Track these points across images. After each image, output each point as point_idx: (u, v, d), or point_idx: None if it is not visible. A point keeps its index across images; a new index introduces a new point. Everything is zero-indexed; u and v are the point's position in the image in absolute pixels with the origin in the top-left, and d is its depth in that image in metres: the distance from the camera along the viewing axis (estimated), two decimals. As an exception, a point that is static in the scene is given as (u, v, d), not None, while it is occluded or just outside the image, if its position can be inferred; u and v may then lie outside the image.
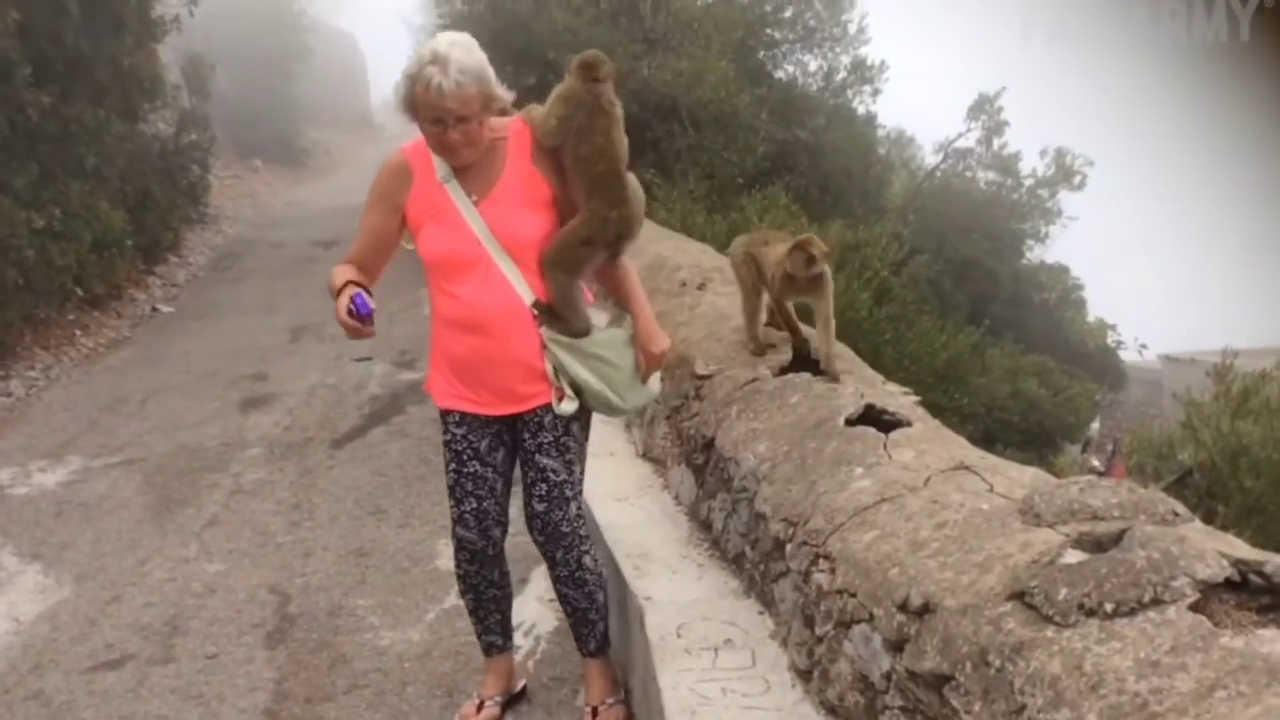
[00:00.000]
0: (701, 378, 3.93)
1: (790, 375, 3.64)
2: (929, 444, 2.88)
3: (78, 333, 9.35)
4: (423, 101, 2.74)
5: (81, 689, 3.66)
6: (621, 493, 4.08)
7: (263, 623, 4.04)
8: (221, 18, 16.46)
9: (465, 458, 3.03)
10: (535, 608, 4.04)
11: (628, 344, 3.04)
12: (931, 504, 2.48)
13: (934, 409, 3.32)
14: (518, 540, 4.62)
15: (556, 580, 3.10)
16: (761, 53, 17.44)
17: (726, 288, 4.96)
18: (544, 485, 2.97)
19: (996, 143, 23.87)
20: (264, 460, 5.96)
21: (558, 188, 2.90)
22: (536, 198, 2.89)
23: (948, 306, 16.97)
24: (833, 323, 3.61)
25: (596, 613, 3.13)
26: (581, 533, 3.03)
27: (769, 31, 17.54)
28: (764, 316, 3.95)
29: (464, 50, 2.77)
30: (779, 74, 17.85)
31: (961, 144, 24.07)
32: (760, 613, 2.99)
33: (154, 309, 10.74)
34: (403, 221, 2.95)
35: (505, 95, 2.85)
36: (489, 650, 3.29)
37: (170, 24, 11.20)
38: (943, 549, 2.27)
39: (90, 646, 3.95)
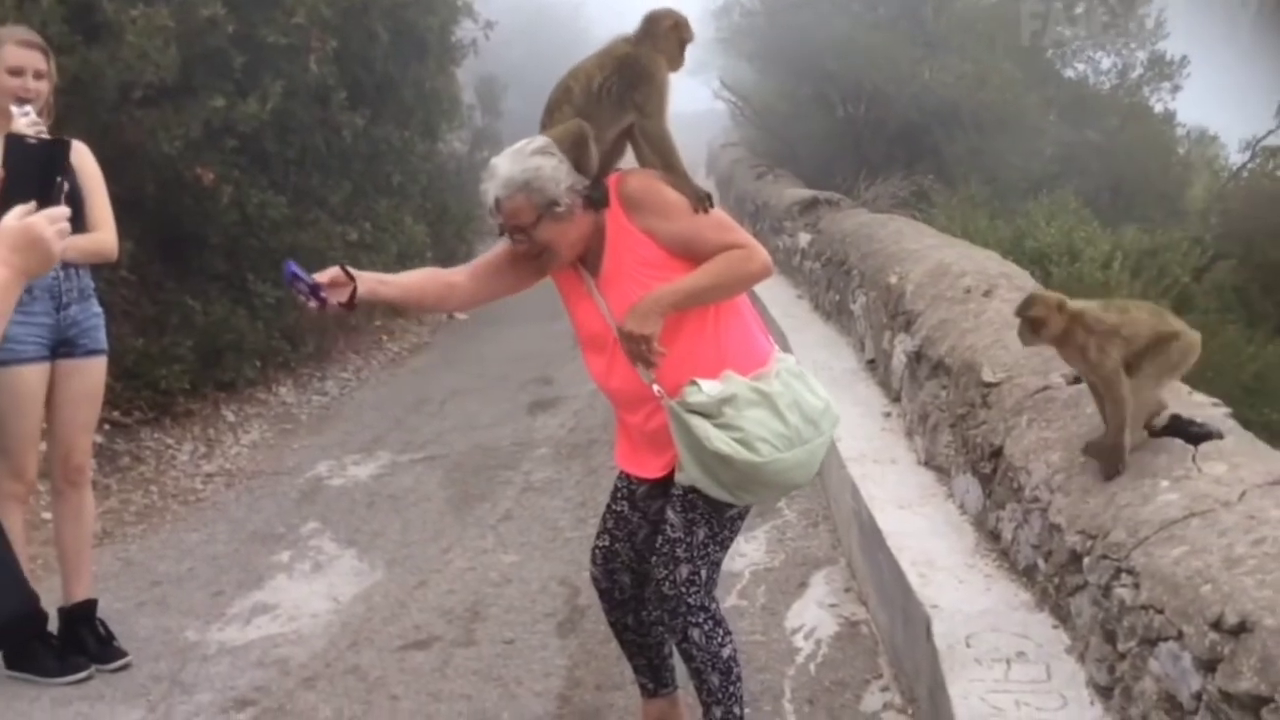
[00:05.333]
0: (989, 385, 3.84)
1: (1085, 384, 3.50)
2: (1243, 457, 2.72)
3: (384, 338, 10.07)
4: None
5: (393, 666, 3.95)
6: (904, 500, 4.04)
7: (554, 613, 4.24)
8: (512, 41, 17.33)
9: (618, 496, 3.02)
10: (815, 612, 4.07)
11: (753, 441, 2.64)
12: (1248, 519, 2.35)
13: (1241, 423, 3.12)
14: (797, 545, 4.70)
15: (675, 644, 2.91)
16: (1050, 51, 16.77)
17: (1013, 294, 4.81)
18: (660, 538, 2.84)
19: (1313, 138, 22.01)
20: (552, 460, 6.25)
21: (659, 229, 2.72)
22: (640, 259, 2.72)
23: (1255, 316, 15.74)
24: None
25: (710, 695, 2.83)
26: (691, 601, 2.77)
27: (1058, 29, 16.85)
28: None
29: (513, 159, 2.70)
30: (1068, 73, 17.12)
31: (1271, 141, 22.31)
32: (1055, 627, 2.90)
33: (450, 316, 11.42)
34: (530, 271, 2.89)
35: (568, 200, 2.68)
36: (641, 690, 3.18)
37: (468, 48, 11.86)
38: (1261, 566, 2.15)
39: (400, 627, 4.25)
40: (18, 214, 1.85)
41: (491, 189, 2.70)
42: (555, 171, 2.67)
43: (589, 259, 2.80)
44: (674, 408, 2.67)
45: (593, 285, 2.80)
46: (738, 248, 2.70)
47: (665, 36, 2.81)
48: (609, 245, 2.75)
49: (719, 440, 2.61)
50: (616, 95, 2.76)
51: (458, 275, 3.02)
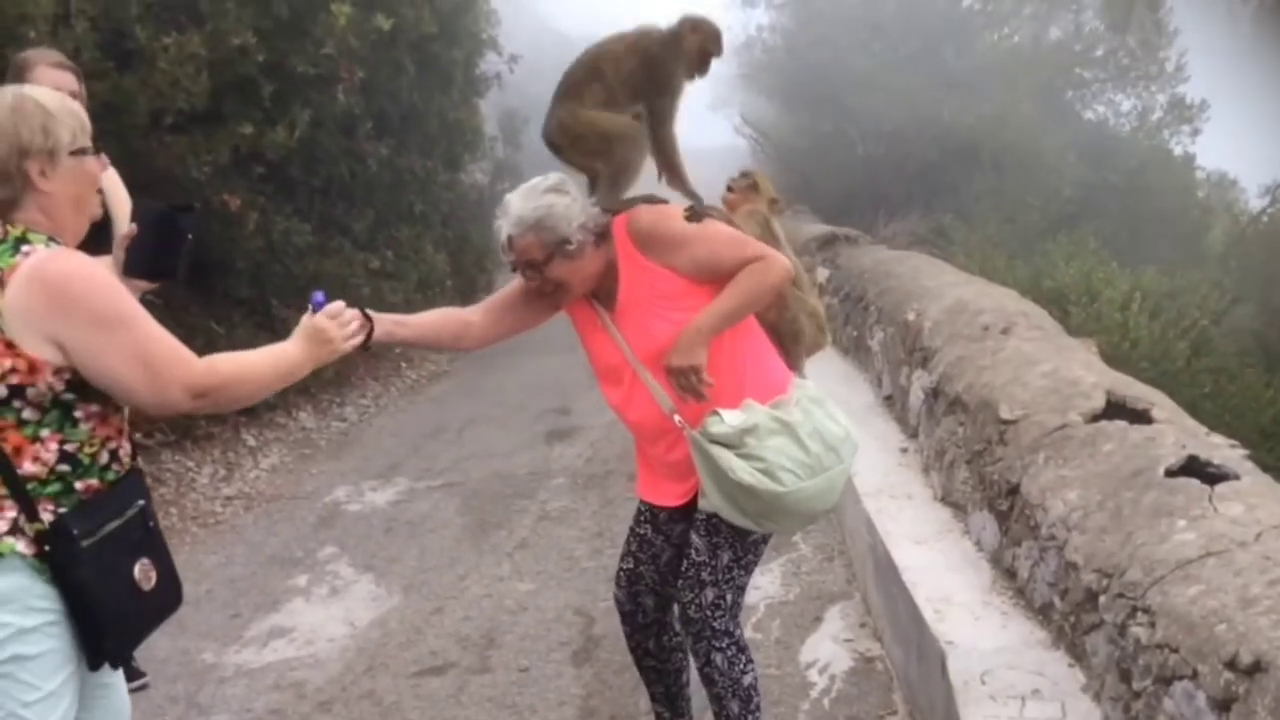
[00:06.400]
0: (1006, 422, 3.86)
1: (1103, 423, 3.53)
2: (1260, 499, 2.73)
3: (403, 365, 10.13)
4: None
5: (409, 691, 3.97)
6: (920, 536, 4.05)
7: (569, 641, 4.26)
8: (533, 75, 17.48)
9: (641, 519, 3.05)
10: (830, 646, 4.07)
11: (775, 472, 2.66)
12: (1263, 560, 2.36)
13: (1259, 467, 3.13)
14: (812, 579, 4.71)
15: (697, 669, 2.93)
16: (1070, 93, 16.85)
17: (1032, 333, 4.85)
18: (685, 561, 2.87)
19: (1333, 184, 21.98)
20: (568, 489, 6.27)
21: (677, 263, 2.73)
22: (659, 293, 2.73)
23: (1274, 360, 15.70)
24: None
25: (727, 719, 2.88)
26: (716, 625, 2.81)
27: (1078, 71, 16.92)
28: None
29: (526, 197, 2.75)
30: (1088, 114, 17.19)
31: (1291, 186, 22.33)
32: (1070, 665, 2.90)
33: (462, 348, 11.49)
34: (545, 306, 2.93)
35: (579, 238, 2.72)
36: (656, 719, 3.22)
37: (492, 80, 11.99)
38: (1275, 606, 2.17)
39: (416, 653, 4.27)
40: (333, 310, 2.40)
41: (504, 226, 2.74)
42: (567, 210, 2.71)
43: (602, 292, 2.84)
44: (696, 438, 2.69)
45: (607, 318, 2.82)
46: (756, 260, 2.70)
47: (688, 43, 2.84)
48: (622, 279, 2.77)
49: (743, 471, 2.63)
50: (632, 88, 2.81)
51: (473, 314, 3.03)
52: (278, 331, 8.12)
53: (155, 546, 2.17)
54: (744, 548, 2.84)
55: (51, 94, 2.12)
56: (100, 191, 3.83)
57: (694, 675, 3.03)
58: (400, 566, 5.21)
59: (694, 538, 2.84)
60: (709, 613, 2.81)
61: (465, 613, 4.61)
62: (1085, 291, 10.05)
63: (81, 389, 2.02)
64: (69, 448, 2.03)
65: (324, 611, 4.75)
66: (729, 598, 2.84)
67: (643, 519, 3.05)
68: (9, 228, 2.03)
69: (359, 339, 2.68)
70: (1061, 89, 16.50)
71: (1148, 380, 4.66)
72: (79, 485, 2.04)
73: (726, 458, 2.65)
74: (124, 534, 2.08)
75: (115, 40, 6.75)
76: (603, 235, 2.77)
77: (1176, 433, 3.32)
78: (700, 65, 2.87)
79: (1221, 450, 3.17)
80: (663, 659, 3.11)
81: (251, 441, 7.45)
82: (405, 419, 8.54)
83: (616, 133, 2.78)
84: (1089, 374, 4.00)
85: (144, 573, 2.10)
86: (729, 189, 3.12)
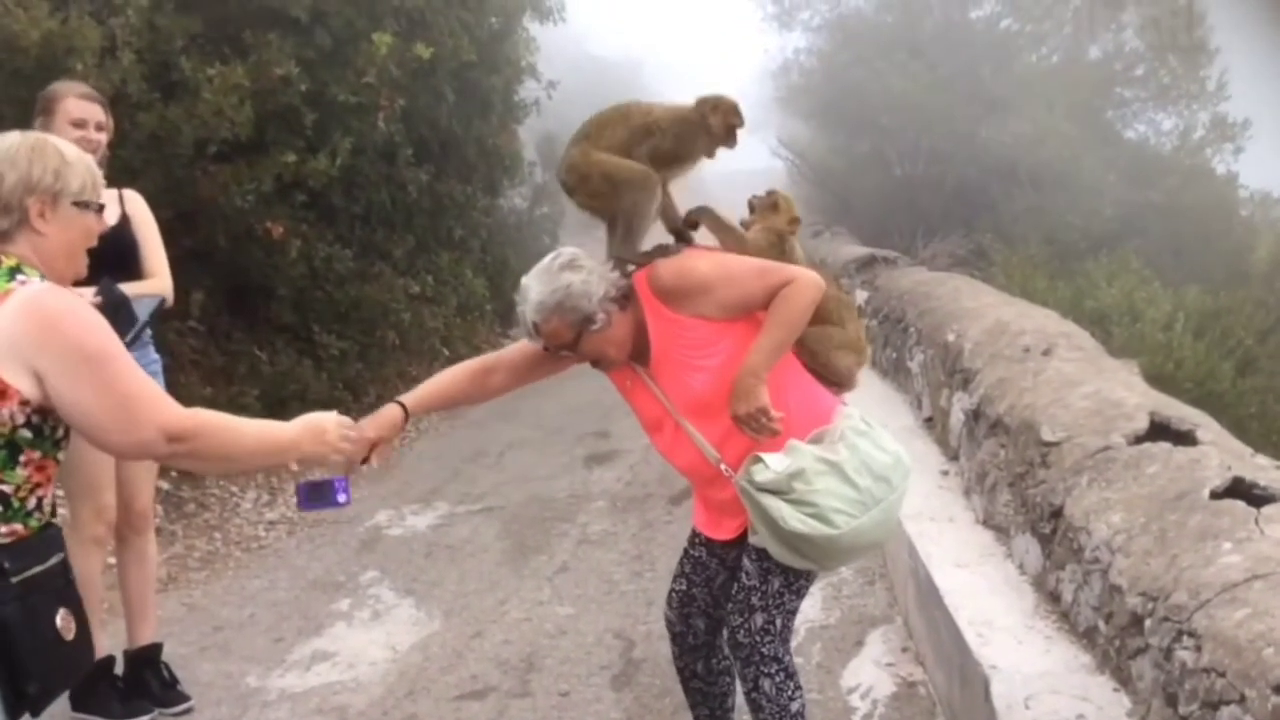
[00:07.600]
0: (1048, 444, 3.83)
1: (1147, 444, 3.49)
2: (1308, 520, 2.70)
3: (443, 390, 10.19)
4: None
5: (449, 715, 3.98)
6: (962, 559, 4.02)
7: (609, 665, 4.26)
8: (571, 101, 17.60)
9: (695, 541, 3.04)
10: (872, 671, 4.04)
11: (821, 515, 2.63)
12: (1312, 583, 2.33)
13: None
14: (853, 603, 4.69)
15: (744, 694, 2.90)
16: (1110, 112, 16.73)
17: (1073, 354, 4.82)
18: (735, 585, 2.86)
19: (1381, 201, 21.68)
20: (608, 513, 6.28)
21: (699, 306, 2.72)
22: (691, 343, 2.72)
23: (1323, 380, 15.49)
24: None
25: None
26: (765, 651, 2.78)
27: (1118, 90, 16.80)
28: None
29: (542, 279, 2.72)
30: (1129, 134, 17.06)
31: (1339, 203, 22.02)
32: (1116, 689, 2.87)
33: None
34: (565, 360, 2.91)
35: (603, 313, 2.70)
36: None
37: (531, 106, 12.08)
38: (1325, 630, 2.13)
39: (457, 677, 4.28)
40: (345, 422, 2.43)
41: (528, 313, 2.72)
42: (585, 285, 2.68)
43: (635, 350, 2.81)
44: (745, 488, 2.66)
45: (645, 374, 2.82)
46: (785, 285, 2.67)
47: (713, 123, 2.86)
48: (652, 335, 2.76)
49: (794, 520, 2.60)
50: (653, 147, 2.84)
51: (494, 368, 3.00)
52: (320, 357, 8.21)
53: (73, 599, 2.15)
54: (795, 573, 2.80)
55: (75, 149, 2.19)
56: (127, 217, 3.92)
57: (739, 700, 3.02)
58: (441, 590, 5.23)
59: (745, 562, 2.83)
60: (758, 638, 2.79)
61: (505, 636, 4.62)
62: (1128, 312, 9.97)
63: (37, 432, 2.05)
64: (5, 488, 2.05)
65: (366, 635, 4.77)
66: (779, 623, 2.81)
67: (697, 541, 3.05)
68: (2, 257, 2.07)
69: (358, 458, 2.78)
70: (1101, 108, 16.39)
71: (1192, 401, 4.62)
72: (3, 529, 2.04)
73: (777, 506, 2.62)
74: (47, 580, 2.08)
75: (160, 72, 6.87)
76: (626, 297, 2.76)
77: (1221, 454, 3.28)
78: (728, 138, 2.88)
79: (1268, 472, 3.13)
80: (710, 682, 3.10)
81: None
82: (445, 443, 8.58)
83: (622, 177, 2.77)
84: (1132, 395, 3.97)
85: (65, 622, 2.08)
86: (749, 208, 3.11)
